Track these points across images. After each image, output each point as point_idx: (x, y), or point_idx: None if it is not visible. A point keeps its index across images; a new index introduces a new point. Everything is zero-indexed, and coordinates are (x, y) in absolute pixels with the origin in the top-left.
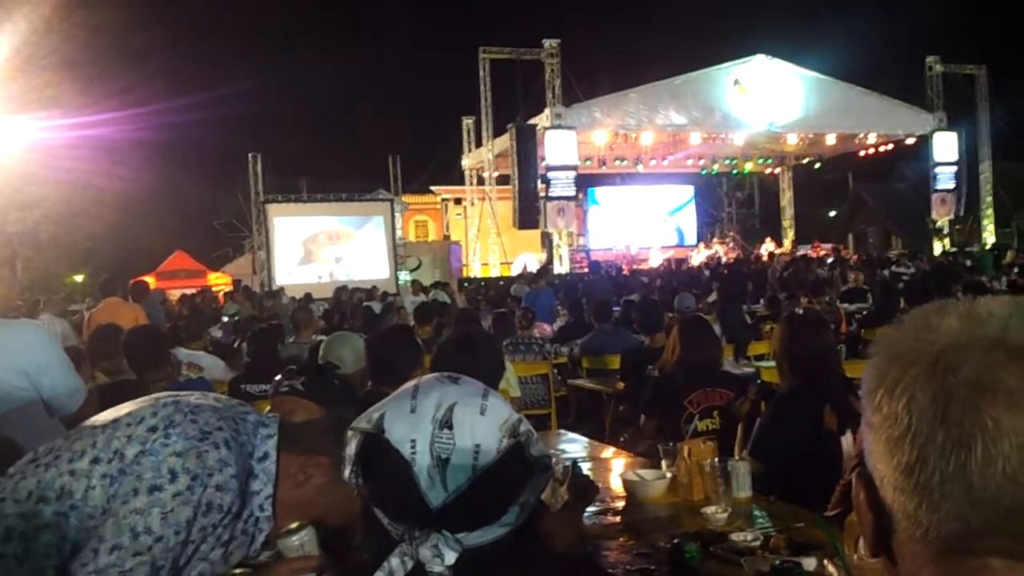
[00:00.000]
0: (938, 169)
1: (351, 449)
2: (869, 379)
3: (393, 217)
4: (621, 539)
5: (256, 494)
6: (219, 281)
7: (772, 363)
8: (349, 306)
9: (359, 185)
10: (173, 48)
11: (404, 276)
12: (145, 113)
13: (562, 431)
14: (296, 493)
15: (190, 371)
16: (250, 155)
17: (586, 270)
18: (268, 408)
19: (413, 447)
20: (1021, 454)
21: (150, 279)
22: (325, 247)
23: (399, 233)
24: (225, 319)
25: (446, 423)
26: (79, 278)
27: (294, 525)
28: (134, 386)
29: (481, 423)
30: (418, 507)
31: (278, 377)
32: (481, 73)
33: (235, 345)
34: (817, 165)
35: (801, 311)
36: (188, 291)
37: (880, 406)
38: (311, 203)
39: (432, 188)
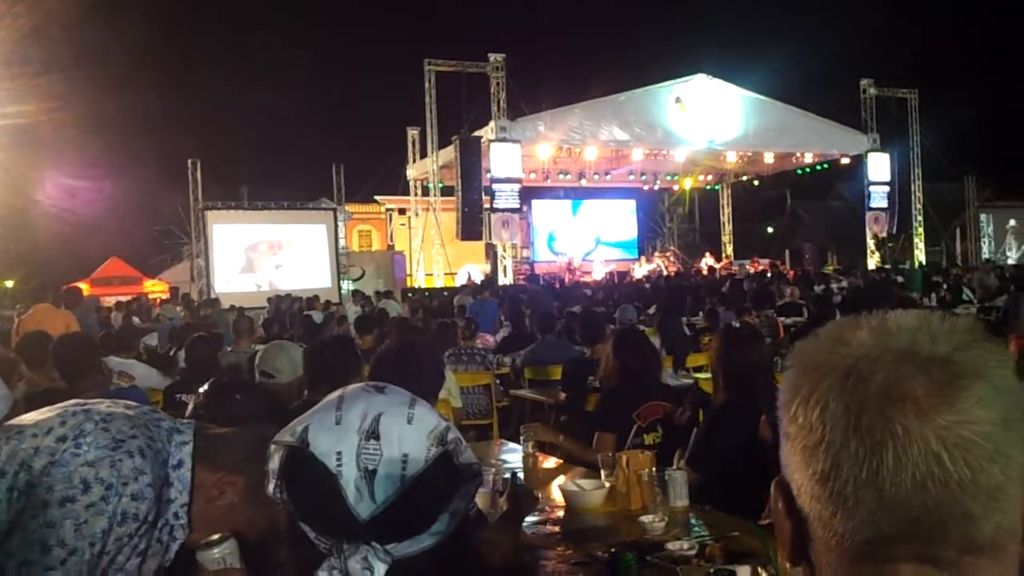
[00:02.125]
0: (872, 188)
1: (274, 463)
2: (785, 391)
3: (336, 226)
4: (559, 549)
5: (171, 502)
6: (156, 288)
7: (707, 375)
8: (289, 315)
9: (302, 193)
10: (112, 52)
11: (347, 285)
12: (81, 117)
13: (504, 441)
14: (209, 508)
15: (121, 380)
16: (190, 161)
17: (523, 282)
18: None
19: (339, 459)
20: (929, 460)
21: (83, 285)
22: (266, 256)
23: (342, 242)
24: (164, 323)
25: (372, 434)
26: (9, 284)
27: (215, 537)
28: (63, 395)
29: (408, 432)
30: (346, 520)
31: (190, 407)
32: (426, 85)
33: (171, 353)
34: (756, 182)
35: (737, 324)
36: (123, 298)
37: (795, 416)
38: (252, 211)
39: (376, 198)
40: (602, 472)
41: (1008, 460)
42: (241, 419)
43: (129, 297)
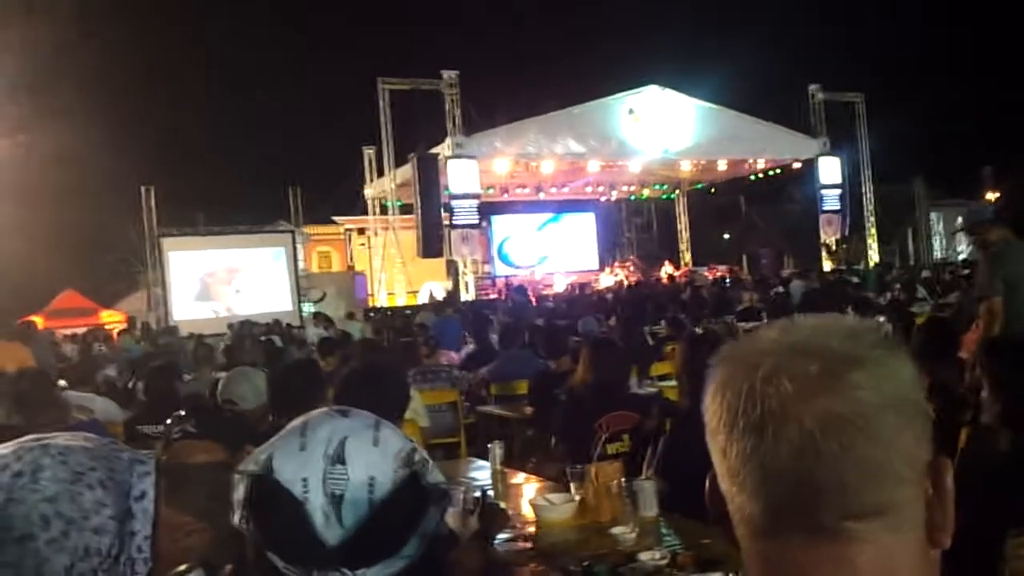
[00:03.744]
0: (824, 191)
1: (239, 493)
2: (707, 384)
3: (295, 249)
4: (532, 565)
5: (135, 534)
6: (112, 319)
7: (675, 382)
8: (249, 341)
9: (259, 216)
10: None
11: (308, 308)
12: (30, 144)
13: (472, 459)
14: (171, 547)
15: (80, 414)
16: (143, 188)
17: (494, 297)
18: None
19: (305, 486)
20: (804, 436)
21: (38, 319)
22: (224, 281)
23: (302, 265)
24: (122, 354)
25: (338, 458)
26: None
27: (182, 568)
28: (20, 433)
29: (374, 455)
30: (314, 547)
31: (168, 422)
32: (381, 103)
33: (130, 385)
34: (711, 190)
35: (701, 331)
36: (79, 330)
37: (708, 405)
38: (209, 236)
39: (335, 219)
40: (571, 485)
41: (886, 443)
42: (226, 440)
43: (85, 329)
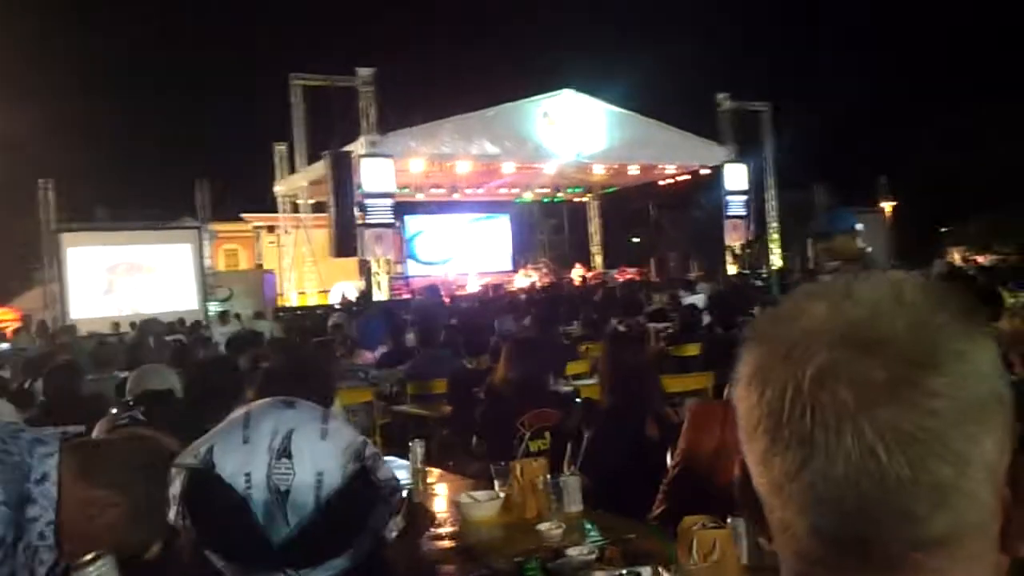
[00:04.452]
0: (730, 197)
1: (175, 488)
2: (738, 368)
3: (201, 246)
4: (459, 563)
5: (35, 520)
6: (5, 317)
7: (590, 381)
8: (154, 339)
9: (164, 212)
10: None
11: (214, 307)
12: None
13: (390, 458)
14: (87, 526)
15: None
16: (41, 181)
17: (408, 297)
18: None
19: (248, 481)
20: (863, 454)
21: None
22: (126, 278)
23: (208, 262)
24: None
25: (284, 452)
26: None
27: (88, 557)
28: None
29: (322, 449)
30: (257, 546)
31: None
32: (293, 99)
33: (26, 385)
34: (623, 194)
35: (622, 329)
36: None
37: (740, 397)
38: (110, 232)
39: (243, 216)
40: (495, 482)
41: (963, 459)
42: (174, 428)
43: None
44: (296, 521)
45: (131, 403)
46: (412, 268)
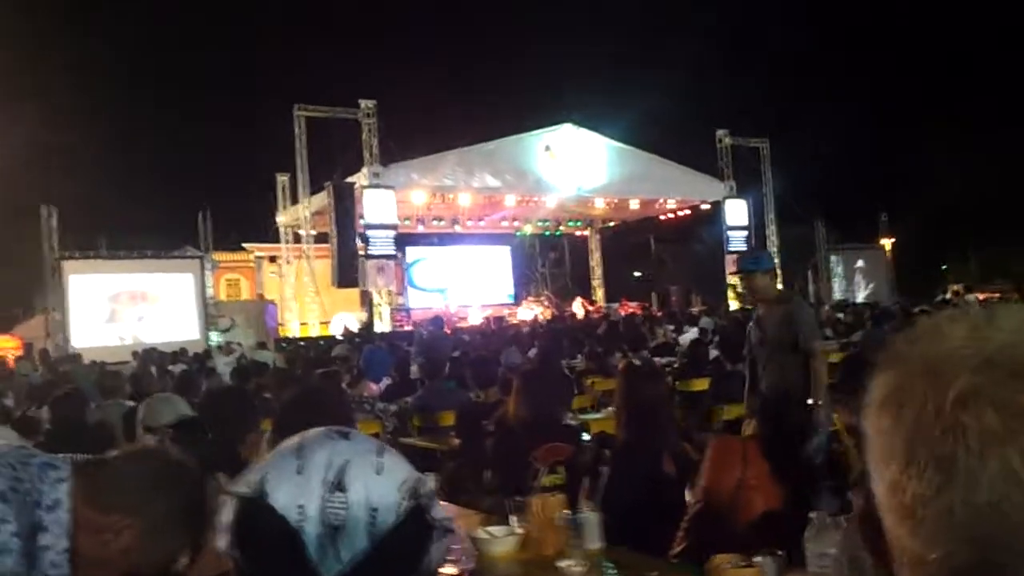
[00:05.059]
0: (730, 232)
1: (227, 516)
2: (870, 389)
3: (203, 275)
4: None
5: (47, 549)
6: (7, 345)
7: (597, 415)
8: (156, 369)
9: (165, 242)
10: None
11: (216, 337)
12: None
13: None
14: (102, 551)
15: None
16: (44, 208)
17: (409, 328)
18: None
19: (301, 513)
20: (1007, 481)
21: None
22: (128, 307)
23: (210, 292)
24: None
25: (338, 485)
26: None
27: None
28: None
29: (377, 484)
30: None
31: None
32: (296, 130)
33: (30, 412)
34: (623, 228)
35: (638, 362)
36: None
37: (872, 418)
38: (113, 260)
39: (245, 245)
40: (511, 517)
41: None
42: (205, 456)
43: None
44: (349, 558)
45: (161, 431)
46: (412, 298)
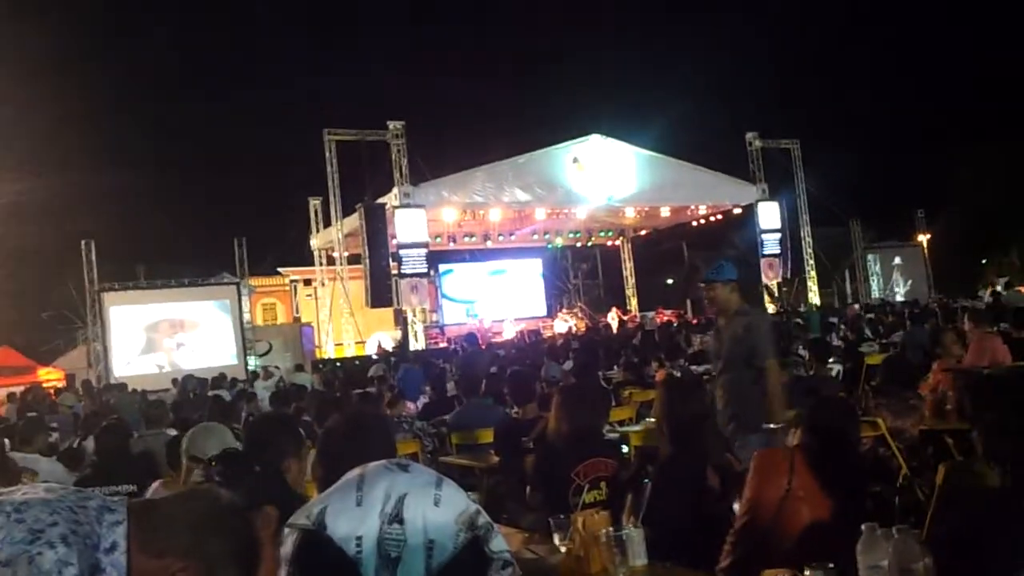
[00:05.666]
0: (764, 236)
1: (287, 548)
2: None
3: (240, 301)
4: None
5: None
6: (50, 376)
7: (637, 428)
8: (197, 396)
9: (201, 269)
10: None
11: (254, 361)
12: None
13: None
14: None
15: (25, 477)
16: (83, 242)
17: (444, 346)
18: None
19: (359, 545)
20: None
21: None
22: (167, 335)
23: (247, 317)
24: (64, 413)
25: (396, 517)
26: None
27: None
28: None
29: (435, 516)
30: None
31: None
32: (327, 154)
33: (76, 445)
34: (655, 236)
35: (678, 374)
36: (16, 389)
37: None
38: (151, 290)
39: (279, 270)
40: (555, 535)
41: None
42: (252, 492)
43: (23, 387)
44: None
45: (209, 464)
46: (447, 315)
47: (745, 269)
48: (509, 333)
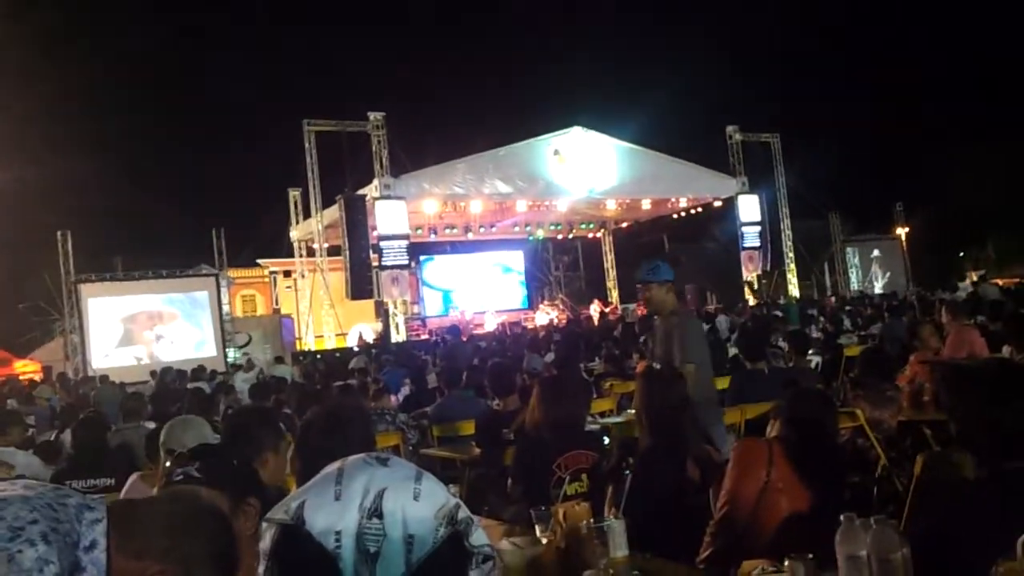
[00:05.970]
0: (744, 229)
1: (265, 543)
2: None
3: (219, 292)
4: None
5: None
6: (27, 368)
7: (618, 419)
8: (175, 388)
9: (180, 260)
10: None
11: (233, 353)
12: None
13: None
14: None
15: (1, 471)
16: (59, 233)
17: (425, 338)
18: None
19: (338, 540)
20: None
21: None
22: (146, 327)
23: (226, 309)
24: (40, 405)
25: (375, 511)
26: None
27: None
28: None
29: (414, 510)
30: None
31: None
32: (307, 145)
33: (53, 438)
34: (635, 229)
35: (658, 366)
36: None
37: None
38: (128, 281)
39: (259, 261)
40: (536, 527)
41: None
42: (232, 487)
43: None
44: None
45: (185, 454)
46: (428, 306)
47: (679, 270)
48: (491, 325)
